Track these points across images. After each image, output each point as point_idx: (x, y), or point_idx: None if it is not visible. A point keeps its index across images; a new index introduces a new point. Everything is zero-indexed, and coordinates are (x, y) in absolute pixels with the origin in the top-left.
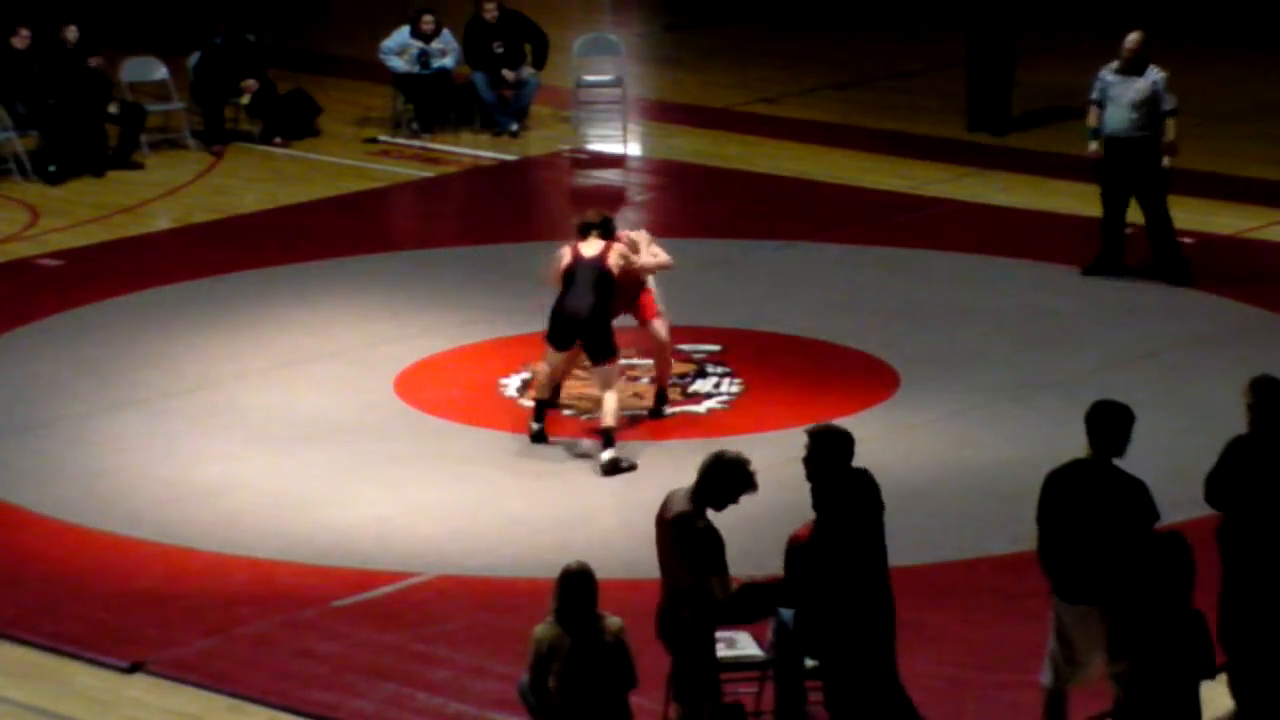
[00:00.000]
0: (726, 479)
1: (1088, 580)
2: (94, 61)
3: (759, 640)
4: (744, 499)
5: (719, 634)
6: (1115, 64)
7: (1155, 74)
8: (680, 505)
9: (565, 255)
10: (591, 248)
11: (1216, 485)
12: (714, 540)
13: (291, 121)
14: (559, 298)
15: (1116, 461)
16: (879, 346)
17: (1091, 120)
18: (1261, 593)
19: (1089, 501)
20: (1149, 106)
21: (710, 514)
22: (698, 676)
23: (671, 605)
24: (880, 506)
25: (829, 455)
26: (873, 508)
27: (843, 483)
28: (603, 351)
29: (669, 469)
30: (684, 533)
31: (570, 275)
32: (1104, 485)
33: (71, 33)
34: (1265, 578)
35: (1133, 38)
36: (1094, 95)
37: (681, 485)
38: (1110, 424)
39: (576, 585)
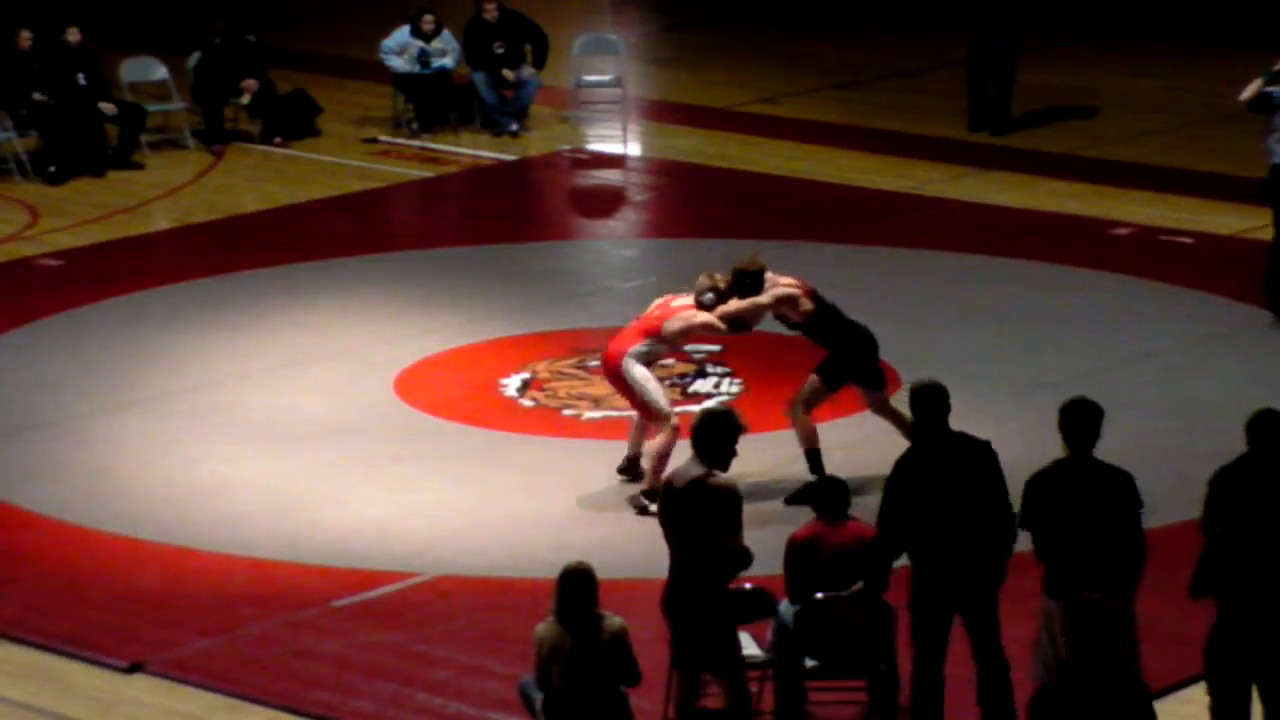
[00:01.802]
0: (721, 431)
1: (1079, 577)
2: (74, 38)
3: (759, 640)
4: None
5: None
6: (1277, 87)
7: None
8: (693, 471)
9: (797, 294)
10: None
11: (1214, 518)
12: (735, 498)
13: (291, 121)
14: (857, 334)
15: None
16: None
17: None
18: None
19: (1079, 498)
20: None
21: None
22: (732, 645)
23: (688, 578)
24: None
25: (918, 412)
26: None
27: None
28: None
29: (669, 469)
30: (701, 494)
31: (821, 318)
32: (1093, 480)
33: (73, 34)
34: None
35: None
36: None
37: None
38: (1087, 421)
39: (576, 585)
